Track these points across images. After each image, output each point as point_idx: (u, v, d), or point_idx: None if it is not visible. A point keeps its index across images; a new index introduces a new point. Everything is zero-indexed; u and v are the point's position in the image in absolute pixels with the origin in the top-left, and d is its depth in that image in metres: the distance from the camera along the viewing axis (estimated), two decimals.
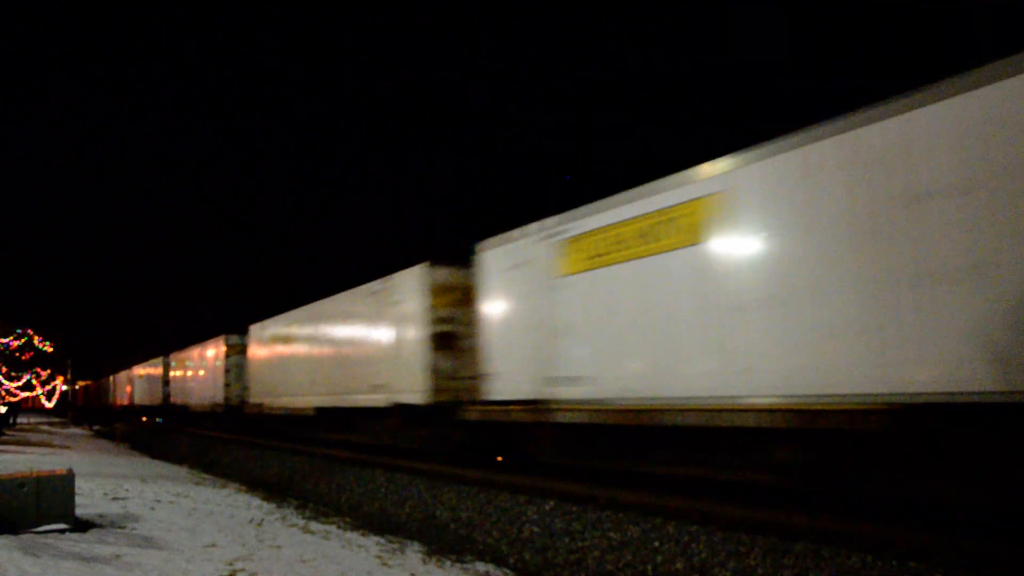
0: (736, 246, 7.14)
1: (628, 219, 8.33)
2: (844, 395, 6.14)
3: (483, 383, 10.68)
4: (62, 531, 7.34)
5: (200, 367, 28.40)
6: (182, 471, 17.49)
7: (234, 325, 25.11)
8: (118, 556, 6.54)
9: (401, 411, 12.59)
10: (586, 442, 9.32)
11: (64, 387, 65.42)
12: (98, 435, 36.06)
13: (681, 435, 7.90)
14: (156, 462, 20.24)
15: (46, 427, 39.12)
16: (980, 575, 4.99)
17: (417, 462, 12.31)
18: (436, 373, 11.74)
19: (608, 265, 8.57)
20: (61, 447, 22.68)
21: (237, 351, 24.36)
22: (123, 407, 46.18)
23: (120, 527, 8.04)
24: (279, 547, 7.88)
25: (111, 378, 53.78)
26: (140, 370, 41.30)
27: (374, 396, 13.44)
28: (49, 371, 60.44)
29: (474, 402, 10.91)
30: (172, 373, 33.48)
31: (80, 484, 9.57)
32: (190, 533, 8.18)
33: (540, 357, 9.53)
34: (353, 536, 8.97)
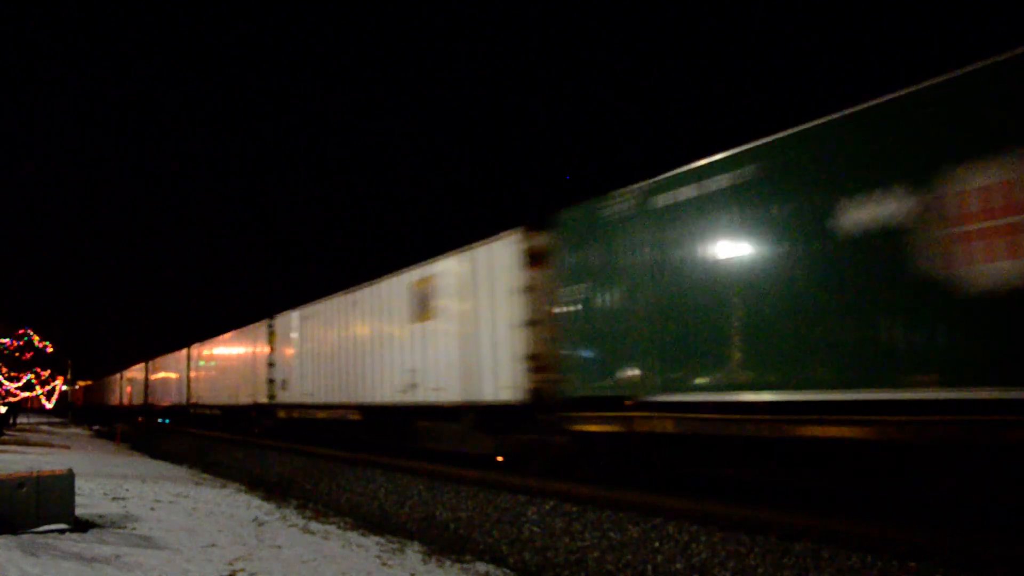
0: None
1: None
2: None
3: None
4: (62, 531, 7.34)
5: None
6: (182, 471, 17.50)
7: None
8: (118, 556, 6.54)
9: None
10: None
11: (64, 387, 65.39)
12: (98, 435, 36.07)
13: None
14: (156, 462, 20.24)
15: (46, 427, 39.13)
16: (980, 575, 4.99)
17: (416, 462, 12.43)
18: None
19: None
20: (61, 447, 22.69)
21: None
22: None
23: (120, 527, 8.04)
24: (279, 547, 7.88)
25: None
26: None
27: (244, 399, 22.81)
28: (49, 371, 60.40)
29: None
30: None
31: (80, 484, 9.57)
32: (190, 533, 8.18)
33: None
34: (353, 536, 8.97)
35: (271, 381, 19.89)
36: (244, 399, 22.29)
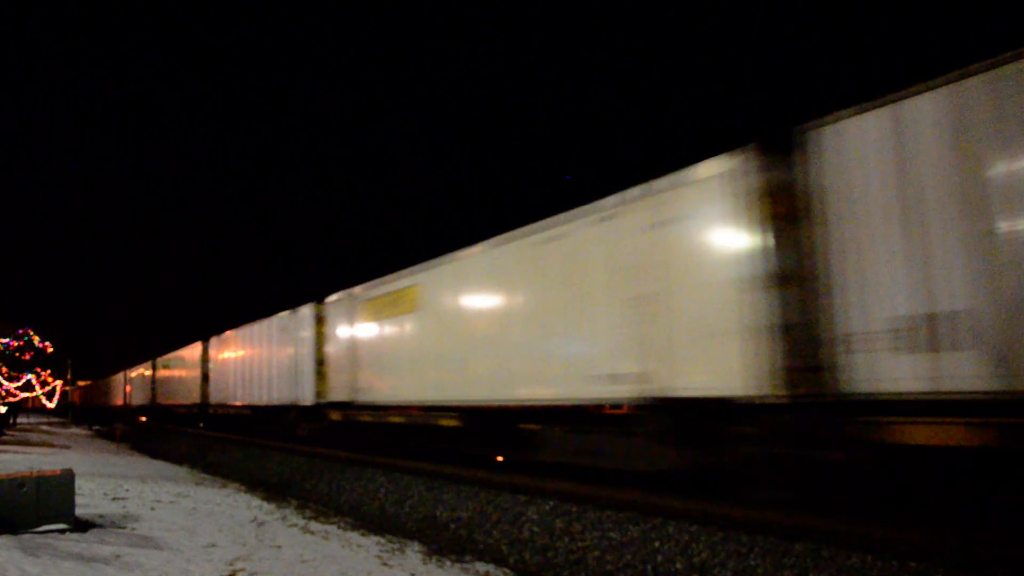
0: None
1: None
2: None
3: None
4: (62, 531, 7.34)
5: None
6: (182, 471, 17.49)
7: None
8: (118, 556, 6.54)
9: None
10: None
11: (66, 387, 65.45)
12: (98, 435, 36.06)
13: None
14: (156, 462, 20.24)
15: (46, 427, 39.13)
16: (980, 575, 4.99)
17: (416, 462, 12.39)
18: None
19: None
20: (61, 447, 22.68)
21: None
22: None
23: (120, 527, 8.04)
24: (279, 547, 7.88)
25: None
26: None
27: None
28: (49, 371, 60.44)
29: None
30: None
31: (80, 484, 9.56)
32: (190, 533, 8.18)
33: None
34: (353, 536, 8.97)
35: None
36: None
